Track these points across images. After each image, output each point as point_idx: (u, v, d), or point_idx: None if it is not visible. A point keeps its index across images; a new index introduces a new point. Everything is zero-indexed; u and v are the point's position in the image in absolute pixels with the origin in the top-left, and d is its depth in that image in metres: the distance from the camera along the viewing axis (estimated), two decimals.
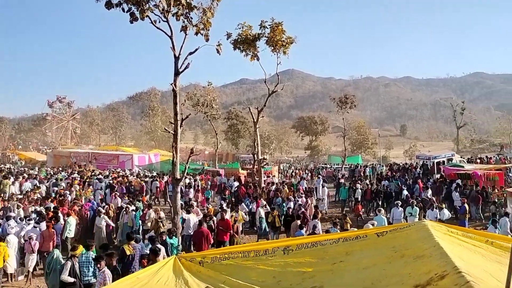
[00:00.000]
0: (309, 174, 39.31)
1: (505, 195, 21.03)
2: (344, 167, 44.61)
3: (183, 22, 14.81)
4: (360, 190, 25.01)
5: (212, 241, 14.37)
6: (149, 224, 17.00)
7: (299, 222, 15.78)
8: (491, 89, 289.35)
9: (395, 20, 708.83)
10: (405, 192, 23.03)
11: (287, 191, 24.68)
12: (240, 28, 25.73)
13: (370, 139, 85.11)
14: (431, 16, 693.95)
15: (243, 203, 20.54)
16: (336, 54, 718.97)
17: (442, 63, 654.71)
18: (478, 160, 39.08)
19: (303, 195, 22.49)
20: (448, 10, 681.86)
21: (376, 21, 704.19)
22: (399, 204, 19.06)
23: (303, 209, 18.36)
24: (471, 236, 4.70)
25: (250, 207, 20.44)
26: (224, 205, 18.65)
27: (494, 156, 43.27)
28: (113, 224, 17.79)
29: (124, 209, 17.87)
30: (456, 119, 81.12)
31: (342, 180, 29.53)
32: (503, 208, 19.89)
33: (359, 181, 28.70)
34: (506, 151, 50.18)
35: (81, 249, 10.82)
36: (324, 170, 44.21)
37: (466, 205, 19.40)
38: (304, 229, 15.35)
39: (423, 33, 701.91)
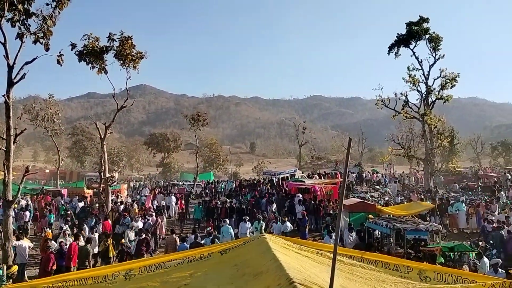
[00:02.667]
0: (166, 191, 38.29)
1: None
2: (196, 184, 44.87)
3: (20, 29, 13.54)
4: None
5: (54, 268, 13.08)
6: None
7: (175, 236, 16.25)
8: (328, 111, 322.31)
9: (244, 42, 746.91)
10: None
11: (136, 210, 23.85)
12: (86, 39, 24.38)
13: (221, 156, 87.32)
14: (276, 40, 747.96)
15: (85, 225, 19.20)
16: (190, 71, 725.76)
17: (286, 85, 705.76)
18: (317, 176, 42.65)
19: (153, 214, 21.95)
20: (290, 36, 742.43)
21: (228, 42, 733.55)
22: (247, 219, 19.74)
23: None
24: (304, 248, 5.07)
25: (95, 229, 19.18)
26: (66, 228, 17.23)
27: (330, 172, 47.66)
28: None
29: None
30: (298, 138, 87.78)
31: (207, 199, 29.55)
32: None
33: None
34: (340, 166, 55.59)
35: None
36: (176, 187, 43.80)
37: (306, 218, 21.03)
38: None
39: (270, 56, 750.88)
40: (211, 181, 47.11)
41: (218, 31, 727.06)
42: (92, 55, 24.47)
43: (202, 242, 15.33)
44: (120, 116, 28.53)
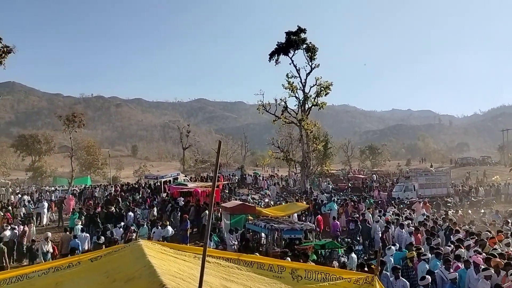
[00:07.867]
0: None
1: (220, 210, 23.57)
2: (72, 189, 42.23)
3: None
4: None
5: None
6: None
7: (69, 233, 17.24)
8: (212, 114, 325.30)
9: (127, 41, 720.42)
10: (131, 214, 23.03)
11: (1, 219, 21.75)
12: None
13: (100, 159, 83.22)
14: (161, 41, 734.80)
15: None
16: (65, 69, 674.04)
17: (171, 88, 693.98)
18: (199, 178, 42.87)
19: (21, 223, 20.24)
20: (176, 39, 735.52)
21: (109, 40, 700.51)
22: (122, 226, 19.10)
23: None
24: (181, 253, 5.06)
25: None
26: None
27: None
28: None
29: None
30: (182, 141, 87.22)
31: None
32: (219, 222, 22.24)
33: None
34: (224, 170, 56.43)
35: None
36: (48, 193, 40.67)
37: (188, 221, 20.92)
38: None
39: (154, 57, 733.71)
40: (88, 186, 44.64)
41: (98, 28, 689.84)
42: None
43: None
44: None
